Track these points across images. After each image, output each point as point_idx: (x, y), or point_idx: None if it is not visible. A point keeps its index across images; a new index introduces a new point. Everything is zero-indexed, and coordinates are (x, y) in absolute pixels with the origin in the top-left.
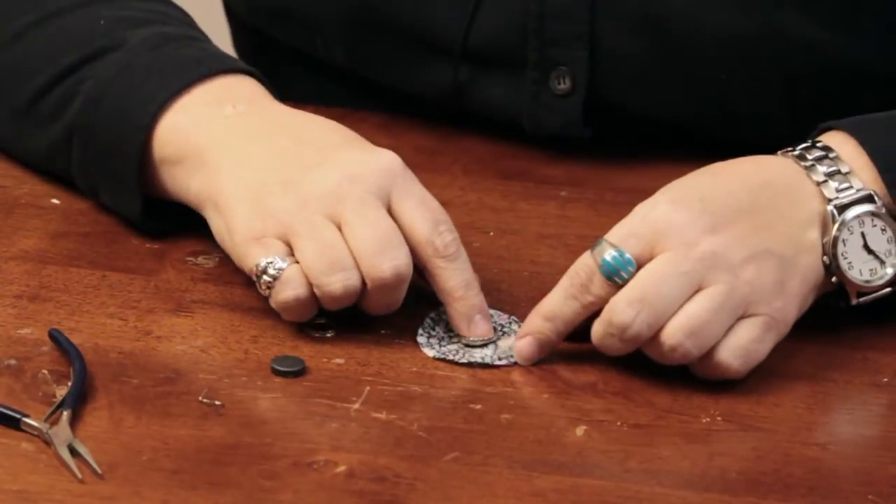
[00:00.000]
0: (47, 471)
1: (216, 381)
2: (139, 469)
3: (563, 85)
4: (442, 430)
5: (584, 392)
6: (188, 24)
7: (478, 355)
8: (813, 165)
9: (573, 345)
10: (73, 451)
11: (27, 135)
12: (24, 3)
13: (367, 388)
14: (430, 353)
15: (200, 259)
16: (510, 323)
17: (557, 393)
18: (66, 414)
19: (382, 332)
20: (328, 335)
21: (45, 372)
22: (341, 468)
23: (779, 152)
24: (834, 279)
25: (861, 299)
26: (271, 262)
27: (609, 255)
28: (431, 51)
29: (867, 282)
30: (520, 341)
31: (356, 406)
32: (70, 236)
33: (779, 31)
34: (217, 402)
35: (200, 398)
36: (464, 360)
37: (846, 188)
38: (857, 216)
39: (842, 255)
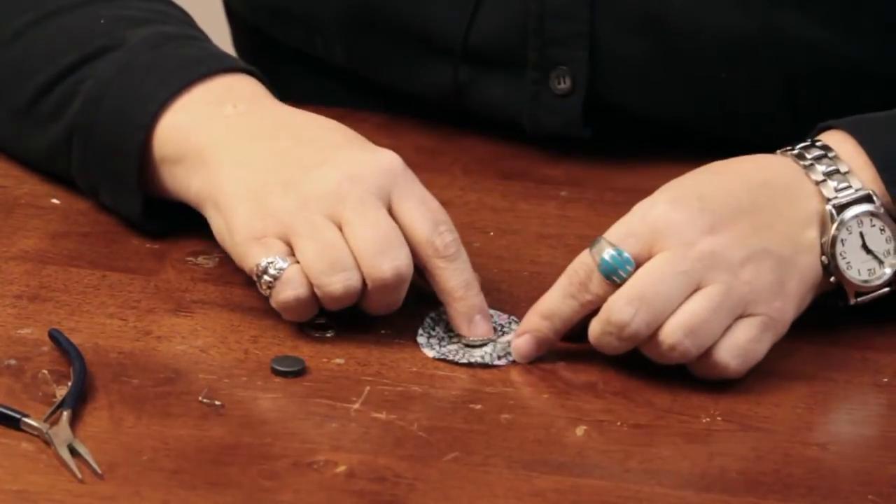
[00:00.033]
0: (47, 471)
1: (216, 381)
2: (139, 469)
3: (563, 85)
4: (442, 430)
5: (584, 392)
6: (188, 24)
7: (477, 355)
8: (812, 165)
9: (573, 345)
10: (73, 451)
11: (27, 134)
12: (25, 2)
13: (367, 388)
14: (429, 353)
15: (200, 259)
16: (510, 323)
17: (557, 393)
18: (66, 414)
19: (382, 332)
20: (328, 335)
21: (45, 372)
22: (341, 468)
23: (778, 151)
24: (832, 279)
25: (859, 299)
26: (272, 262)
27: (608, 253)
28: (431, 51)
29: (865, 282)
30: (518, 339)
31: (356, 406)
32: (70, 236)
33: (779, 31)
34: (217, 402)
35: (200, 398)
36: (464, 361)
37: (845, 188)
38: (856, 216)
39: (840, 254)
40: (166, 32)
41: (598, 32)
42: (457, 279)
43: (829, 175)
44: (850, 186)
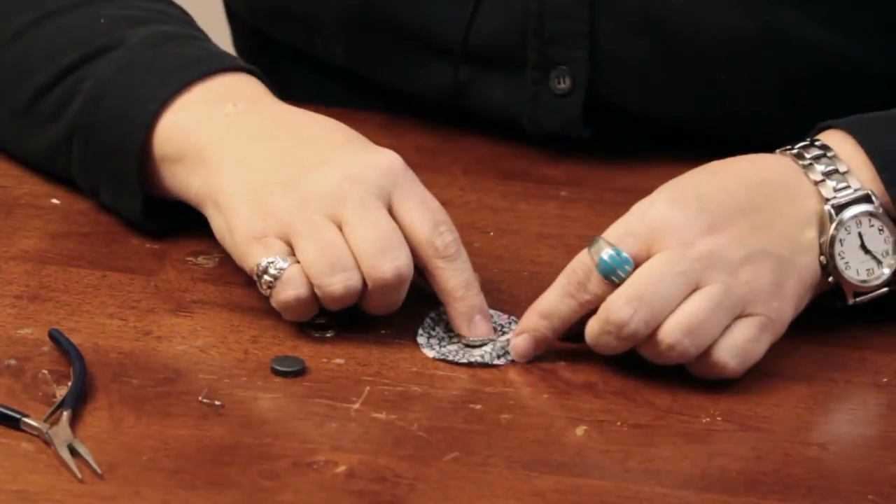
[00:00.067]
0: (47, 471)
1: (216, 381)
2: (139, 469)
3: (563, 84)
4: (442, 430)
5: (584, 392)
6: (188, 23)
7: (477, 354)
8: (811, 164)
9: (572, 345)
10: (73, 451)
11: (27, 134)
12: (25, 2)
13: (367, 388)
14: (429, 353)
15: (200, 259)
16: (510, 323)
17: (557, 393)
18: (66, 414)
19: (382, 332)
20: (328, 335)
21: (45, 372)
22: (341, 468)
23: (777, 151)
24: (831, 279)
25: (858, 299)
26: (272, 262)
27: (606, 253)
28: (431, 51)
29: (864, 282)
30: (516, 339)
31: (356, 406)
32: (70, 236)
33: (779, 31)
34: (217, 402)
35: (200, 398)
36: (463, 360)
37: (844, 188)
38: (855, 216)
39: (839, 254)
40: (166, 32)
41: (598, 32)
42: (457, 279)
43: (827, 175)
44: (848, 186)
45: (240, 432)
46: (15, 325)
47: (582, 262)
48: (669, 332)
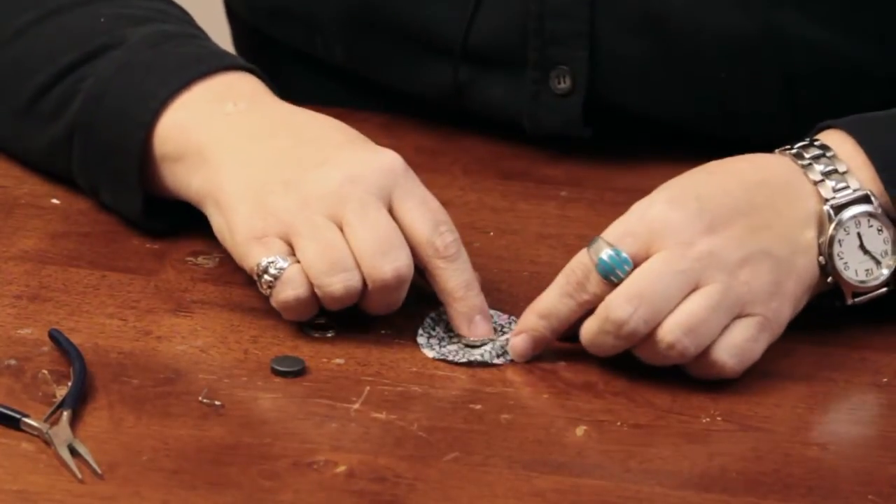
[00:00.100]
0: (47, 471)
1: (216, 381)
2: (139, 469)
3: (563, 84)
4: (442, 430)
5: (584, 392)
6: (187, 22)
7: (477, 354)
8: (810, 164)
9: (573, 345)
10: (73, 451)
11: (27, 134)
12: (25, 1)
13: (367, 388)
14: (429, 353)
15: (200, 259)
16: (510, 323)
17: (557, 393)
18: (66, 414)
19: (382, 332)
20: (328, 335)
21: (45, 372)
22: (341, 468)
23: (776, 150)
24: (830, 279)
25: (856, 300)
26: (272, 262)
27: (605, 253)
28: (431, 51)
29: (862, 282)
30: (515, 338)
31: (356, 406)
32: (70, 236)
33: (779, 31)
34: (217, 402)
35: (200, 398)
36: (463, 360)
37: (843, 188)
38: (854, 216)
39: (838, 255)
40: (166, 31)
41: (598, 32)
42: (457, 279)
43: (827, 175)
44: (848, 187)
45: (240, 432)
46: (15, 325)
47: (581, 262)
48: (669, 330)
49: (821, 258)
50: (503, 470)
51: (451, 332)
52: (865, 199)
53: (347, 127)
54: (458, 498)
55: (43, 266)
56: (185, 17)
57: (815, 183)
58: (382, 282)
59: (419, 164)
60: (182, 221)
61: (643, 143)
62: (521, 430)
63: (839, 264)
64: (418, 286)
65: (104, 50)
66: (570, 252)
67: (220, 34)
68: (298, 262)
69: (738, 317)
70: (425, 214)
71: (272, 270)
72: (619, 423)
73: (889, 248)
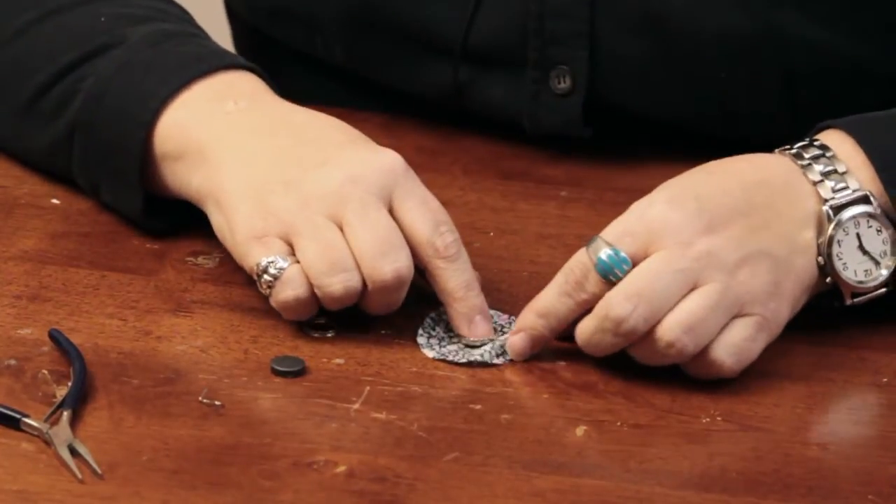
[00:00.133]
0: (47, 471)
1: (216, 381)
2: (139, 469)
3: (563, 84)
4: (442, 430)
5: (584, 392)
6: (188, 21)
7: (477, 354)
8: (810, 164)
9: (573, 345)
10: (73, 451)
11: (28, 133)
12: (25, 1)
13: (367, 388)
14: (429, 353)
15: (200, 259)
16: (510, 323)
17: (557, 393)
18: (66, 414)
19: (382, 332)
20: (328, 335)
21: (45, 372)
22: (341, 468)
23: (776, 150)
24: (829, 280)
25: (855, 300)
26: (272, 262)
27: (604, 253)
28: (431, 51)
29: (861, 283)
30: (513, 337)
31: (356, 406)
32: (70, 236)
33: (779, 30)
34: (217, 402)
35: (200, 398)
36: (463, 361)
37: (842, 188)
38: (853, 217)
39: (836, 255)
40: (166, 30)
41: (598, 32)
42: (457, 280)
43: (826, 175)
44: (847, 187)
45: (240, 432)
46: (15, 325)
47: (580, 261)
48: (669, 329)
49: (820, 258)
50: (503, 470)
51: (451, 332)
52: (865, 200)
53: (348, 126)
54: (458, 498)
55: (43, 266)
56: (184, 17)
57: (815, 183)
58: (382, 282)
59: (419, 164)
60: (182, 221)
61: (643, 143)
62: (521, 430)
63: (838, 265)
64: (418, 286)
65: (104, 49)
66: (570, 252)
67: (220, 34)
68: (298, 262)
69: (737, 316)
70: (426, 214)
71: (272, 270)
72: (619, 423)
73: (888, 248)
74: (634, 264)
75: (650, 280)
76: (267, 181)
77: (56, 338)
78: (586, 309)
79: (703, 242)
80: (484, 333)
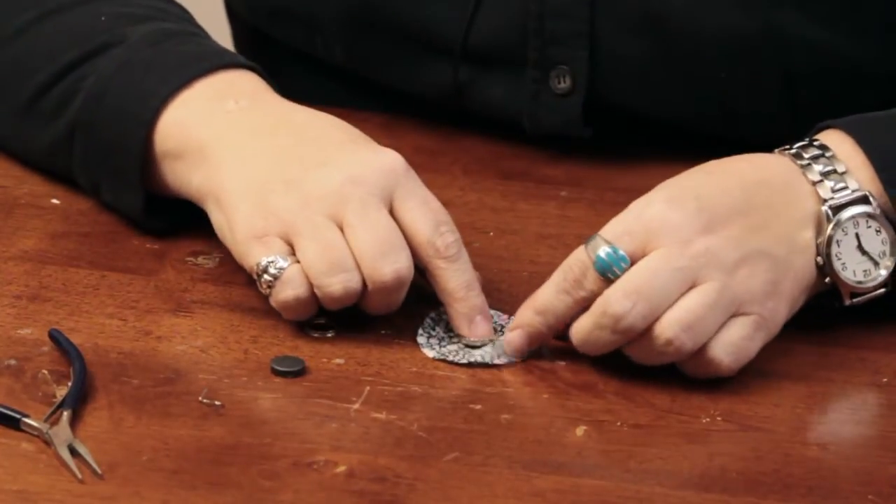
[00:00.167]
0: (47, 471)
1: (216, 381)
2: (139, 469)
3: (563, 84)
4: (442, 430)
5: (584, 392)
6: (188, 21)
7: (477, 354)
8: (809, 164)
9: (571, 344)
10: (73, 451)
11: (28, 133)
12: (25, 0)
13: (367, 388)
14: (429, 353)
15: (200, 259)
16: (510, 323)
17: (557, 393)
18: (66, 414)
19: (382, 332)
20: (328, 335)
21: (45, 372)
22: (341, 468)
23: (776, 150)
24: (827, 280)
25: (854, 300)
26: (272, 262)
27: (603, 251)
28: (431, 51)
29: (860, 283)
30: (510, 333)
31: (356, 406)
32: (70, 236)
33: (779, 30)
34: (217, 402)
35: (200, 398)
36: (463, 361)
37: (842, 188)
38: (853, 217)
39: (835, 255)
40: (167, 29)
41: (598, 32)
42: (458, 280)
43: (826, 175)
44: (846, 187)
45: (240, 432)
46: (15, 325)
47: (578, 259)
48: (667, 326)
49: (819, 258)
50: (503, 470)
51: (451, 333)
52: (864, 200)
53: (349, 125)
54: (458, 498)
55: (43, 266)
56: (185, 16)
57: (814, 183)
58: (382, 283)
59: (419, 164)
60: (182, 220)
61: (643, 143)
62: (521, 430)
63: (837, 265)
64: (419, 286)
65: (105, 48)
66: (570, 252)
67: (221, 34)
68: (298, 261)
69: (735, 315)
70: (426, 215)
71: (272, 270)
72: (619, 423)
73: (887, 248)
74: (633, 263)
75: (649, 277)
76: (267, 180)
77: (56, 338)
78: (584, 307)
79: (702, 241)
80: (484, 334)
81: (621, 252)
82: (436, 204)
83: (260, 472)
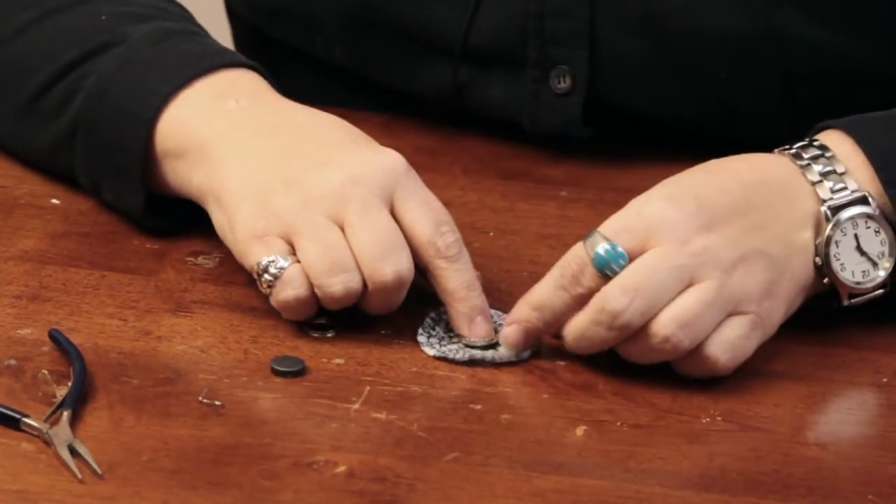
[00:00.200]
0: (47, 471)
1: (216, 381)
2: (139, 469)
3: (563, 84)
4: (442, 430)
5: (584, 392)
6: (188, 20)
7: (478, 354)
8: (809, 164)
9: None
10: (73, 451)
11: (29, 132)
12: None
13: (367, 388)
14: (430, 352)
15: (200, 259)
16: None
17: (557, 393)
18: (66, 414)
19: (382, 332)
20: (328, 335)
21: (45, 372)
22: (341, 468)
23: (775, 150)
24: (826, 280)
25: (853, 301)
26: (273, 262)
27: (602, 247)
28: (431, 51)
29: (858, 283)
30: (506, 328)
31: (356, 406)
32: (70, 236)
33: (779, 30)
34: (217, 402)
35: (200, 398)
36: (465, 359)
37: (841, 189)
38: (852, 217)
39: (834, 256)
40: (167, 28)
41: (598, 32)
42: (458, 280)
43: (825, 175)
44: (846, 188)
45: (240, 432)
46: (15, 325)
47: (577, 256)
48: (665, 324)
49: (817, 259)
50: (503, 470)
51: (451, 332)
52: (863, 201)
53: (350, 125)
54: (458, 498)
55: (43, 266)
56: (185, 15)
57: (814, 183)
58: (383, 283)
59: (419, 164)
60: (183, 220)
61: (643, 143)
62: (521, 430)
63: (835, 265)
64: (419, 286)
65: (105, 47)
66: None
67: (221, 34)
68: (299, 261)
69: (731, 314)
70: (427, 215)
71: (272, 270)
72: (619, 423)
73: (886, 249)
74: (631, 260)
75: (647, 275)
76: (268, 180)
77: (56, 338)
78: (581, 303)
79: (701, 240)
80: (485, 334)
81: (620, 249)
82: (437, 204)
83: (260, 472)
